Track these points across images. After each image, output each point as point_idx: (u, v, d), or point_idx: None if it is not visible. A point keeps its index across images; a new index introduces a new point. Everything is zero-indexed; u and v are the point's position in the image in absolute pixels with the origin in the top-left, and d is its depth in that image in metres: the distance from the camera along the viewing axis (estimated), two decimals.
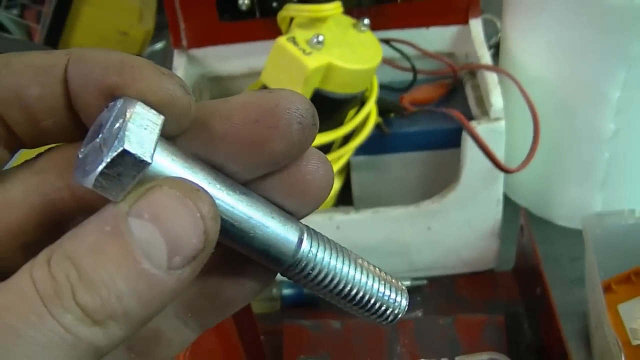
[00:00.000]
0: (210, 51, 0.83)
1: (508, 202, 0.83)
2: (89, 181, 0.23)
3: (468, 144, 0.72)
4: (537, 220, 0.84)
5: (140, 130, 0.24)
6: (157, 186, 0.23)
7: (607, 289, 0.68)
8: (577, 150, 0.79)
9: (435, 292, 0.80)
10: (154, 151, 0.24)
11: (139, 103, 0.24)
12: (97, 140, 0.24)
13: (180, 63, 0.81)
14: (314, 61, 0.67)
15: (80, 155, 0.24)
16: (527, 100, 0.74)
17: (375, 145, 0.77)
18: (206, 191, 0.24)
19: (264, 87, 0.71)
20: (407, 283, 0.79)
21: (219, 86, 0.84)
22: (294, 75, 0.68)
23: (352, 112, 0.75)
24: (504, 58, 0.82)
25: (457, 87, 0.81)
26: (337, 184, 0.79)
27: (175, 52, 0.82)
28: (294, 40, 0.68)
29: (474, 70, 0.80)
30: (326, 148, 0.73)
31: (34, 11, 1.06)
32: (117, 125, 0.23)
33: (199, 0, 0.80)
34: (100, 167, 0.23)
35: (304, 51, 0.68)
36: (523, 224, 0.74)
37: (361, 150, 0.76)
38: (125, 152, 0.23)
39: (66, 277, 0.22)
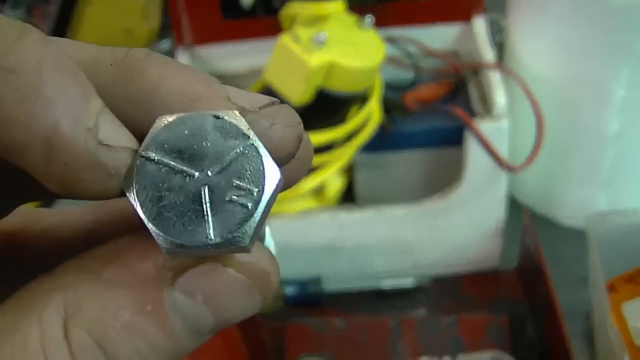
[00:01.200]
0: (213, 49, 0.83)
1: (511, 201, 0.82)
2: (219, 238, 0.19)
3: (471, 142, 0.72)
4: (541, 220, 0.84)
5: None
6: (220, 267, 0.20)
7: (611, 288, 0.68)
8: (581, 149, 0.78)
9: (439, 291, 0.79)
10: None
11: (253, 134, 0.20)
12: (198, 177, 0.19)
13: (183, 61, 0.81)
14: (317, 59, 0.67)
15: (160, 193, 0.19)
16: (530, 98, 0.74)
17: (378, 143, 0.77)
18: (278, 272, 0.21)
19: (267, 85, 0.71)
20: (411, 281, 0.78)
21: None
22: (297, 73, 0.68)
23: (354, 110, 0.75)
24: (508, 56, 0.82)
25: (460, 86, 0.81)
26: (340, 183, 0.79)
27: (178, 49, 0.82)
28: (296, 38, 0.68)
29: (477, 69, 0.80)
30: (328, 146, 0.73)
31: (40, 10, 1.06)
32: (231, 164, 0.19)
33: None
34: (252, 226, 0.19)
35: (306, 49, 0.68)
36: (526, 223, 0.74)
37: (364, 148, 0.76)
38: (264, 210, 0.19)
39: None
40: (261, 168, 0.19)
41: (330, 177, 0.76)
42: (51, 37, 0.20)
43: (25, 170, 0.19)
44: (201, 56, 0.83)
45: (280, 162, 0.20)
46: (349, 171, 0.81)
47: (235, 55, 0.83)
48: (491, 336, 0.72)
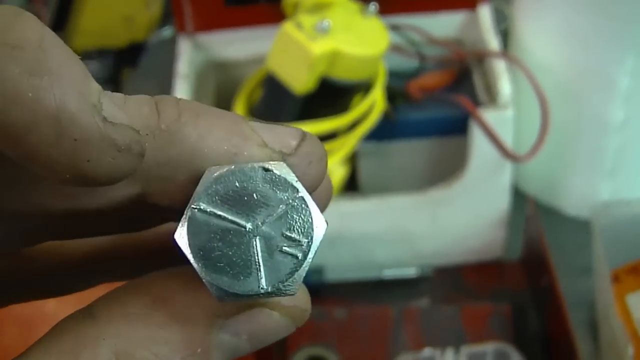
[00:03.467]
0: (215, 36, 0.82)
1: (516, 191, 0.82)
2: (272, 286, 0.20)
3: (475, 131, 0.71)
4: (545, 210, 0.84)
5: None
6: (267, 312, 0.22)
7: (615, 279, 0.68)
8: (585, 138, 0.78)
9: (442, 281, 0.79)
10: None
11: (301, 186, 0.21)
12: (250, 227, 0.20)
13: (185, 48, 0.80)
14: (320, 47, 0.67)
15: (212, 244, 0.20)
16: (535, 87, 0.73)
17: (382, 132, 0.77)
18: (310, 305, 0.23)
19: (270, 73, 0.71)
20: (413, 271, 0.78)
21: (224, 72, 0.84)
22: (299, 61, 0.67)
23: (358, 98, 0.74)
24: (513, 45, 0.82)
25: (464, 74, 0.81)
26: (343, 171, 0.79)
27: (180, 37, 0.82)
28: (299, 26, 0.68)
29: (481, 57, 0.79)
30: (332, 135, 0.73)
31: None
32: (282, 217, 0.20)
33: None
34: (300, 272, 0.20)
35: (309, 37, 0.67)
36: (530, 213, 0.74)
37: (367, 137, 0.76)
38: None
39: None
40: (310, 220, 0.20)
41: (333, 166, 0.75)
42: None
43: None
44: (203, 43, 0.82)
45: (313, 190, 0.22)
46: (352, 160, 0.80)
47: (237, 43, 0.82)
48: (494, 327, 0.71)
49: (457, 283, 0.79)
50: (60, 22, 1.02)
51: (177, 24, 0.82)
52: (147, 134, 0.20)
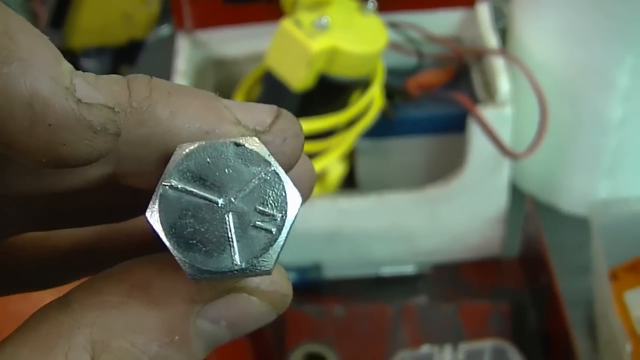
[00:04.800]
0: (214, 34, 0.82)
1: (514, 188, 0.82)
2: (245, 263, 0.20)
3: (474, 128, 0.71)
4: (543, 207, 0.84)
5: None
6: (245, 297, 0.21)
7: (613, 277, 0.68)
8: (584, 136, 0.78)
9: (440, 278, 0.79)
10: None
11: (274, 160, 0.20)
12: (223, 203, 0.20)
13: (183, 46, 0.80)
14: (318, 44, 0.67)
15: (184, 222, 0.20)
16: (534, 85, 0.73)
17: (380, 129, 0.77)
18: (292, 292, 0.22)
19: (268, 70, 0.71)
20: (412, 269, 0.78)
21: (222, 70, 0.84)
22: (298, 58, 0.67)
23: (356, 96, 0.74)
24: (511, 43, 0.82)
25: (463, 72, 0.81)
26: (341, 169, 0.79)
27: (179, 34, 0.82)
28: (298, 23, 0.68)
29: (480, 55, 0.79)
30: (330, 132, 0.73)
31: None
32: (255, 189, 0.20)
33: None
34: (276, 251, 0.20)
35: (308, 34, 0.67)
36: (529, 211, 0.73)
37: (366, 134, 0.76)
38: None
39: None
40: (283, 194, 0.20)
41: (331, 163, 0.75)
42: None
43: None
44: (201, 41, 0.82)
45: (289, 168, 0.21)
46: (351, 157, 0.80)
47: (236, 40, 0.82)
48: (493, 324, 0.71)
49: (455, 280, 0.79)
50: (59, 20, 1.01)
51: (176, 21, 0.82)
52: (119, 112, 0.19)
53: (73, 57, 1.00)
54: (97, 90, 0.19)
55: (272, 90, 0.71)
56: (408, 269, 0.78)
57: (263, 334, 0.71)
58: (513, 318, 0.72)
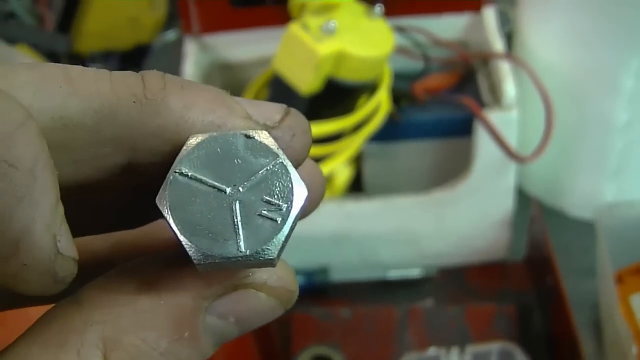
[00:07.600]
0: (222, 38, 0.82)
1: (520, 192, 0.82)
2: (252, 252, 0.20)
3: (480, 132, 0.72)
4: (549, 211, 0.84)
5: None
6: (253, 293, 0.22)
7: (619, 280, 0.68)
8: (590, 140, 0.78)
9: (446, 281, 0.79)
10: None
11: (282, 153, 0.21)
12: (231, 192, 0.20)
13: (191, 50, 0.81)
14: (326, 48, 0.67)
15: (198, 214, 0.20)
16: (540, 88, 0.73)
17: (387, 133, 0.77)
18: (298, 287, 0.23)
19: (276, 74, 0.71)
20: (418, 272, 0.78)
21: (230, 74, 0.84)
22: (305, 62, 0.68)
23: (363, 99, 0.74)
24: (517, 47, 0.82)
25: (469, 76, 0.81)
26: (348, 172, 0.79)
27: (186, 38, 0.82)
28: (305, 27, 0.68)
29: (486, 59, 0.79)
30: (337, 136, 0.73)
31: None
32: (263, 179, 0.20)
33: None
34: (281, 238, 0.20)
35: (315, 38, 0.67)
36: (534, 214, 0.74)
37: (373, 138, 0.76)
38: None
39: None
40: (290, 185, 0.20)
41: (338, 166, 0.76)
42: (67, 67, 0.20)
43: None
44: (209, 45, 0.83)
45: (297, 164, 0.22)
46: (358, 161, 0.81)
47: (243, 44, 0.82)
48: (499, 327, 0.71)
49: (461, 284, 0.80)
50: (66, 24, 1.02)
51: (183, 25, 0.82)
52: (133, 102, 0.20)
53: (80, 61, 1.00)
54: (74, 244, 0.19)
55: (279, 93, 0.72)
56: (414, 272, 0.78)
57: (270, 336, 0.71)
58: (519, 320, 0.72)
